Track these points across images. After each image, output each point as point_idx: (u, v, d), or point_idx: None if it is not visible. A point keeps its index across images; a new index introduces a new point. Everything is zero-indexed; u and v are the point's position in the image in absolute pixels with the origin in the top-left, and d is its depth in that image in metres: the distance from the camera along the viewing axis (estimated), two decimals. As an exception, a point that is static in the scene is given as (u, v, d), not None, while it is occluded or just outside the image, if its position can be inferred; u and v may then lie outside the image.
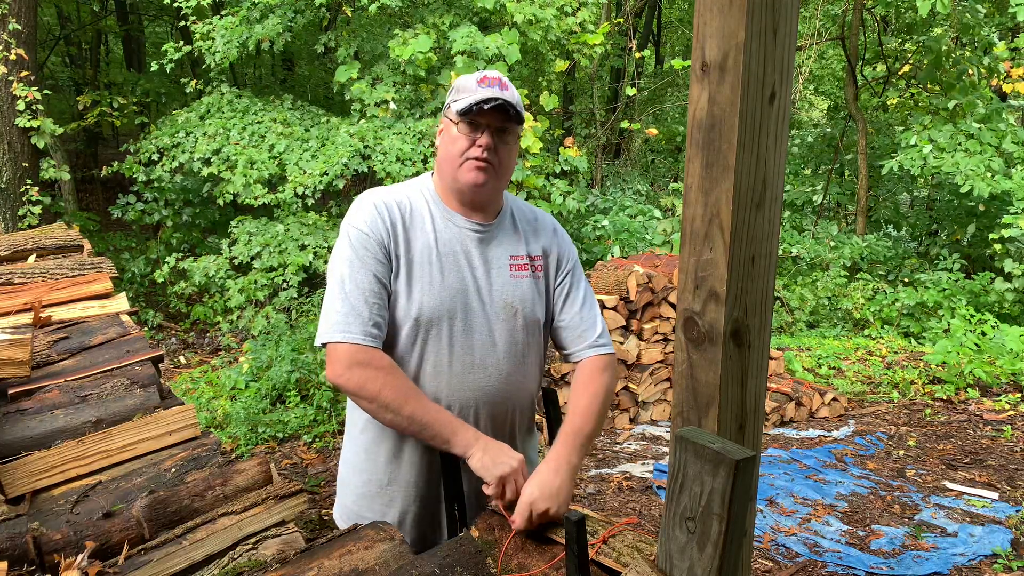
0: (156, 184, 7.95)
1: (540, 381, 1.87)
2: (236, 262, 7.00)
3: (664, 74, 15.21)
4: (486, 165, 1.66)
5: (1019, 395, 5.91)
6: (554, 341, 1.88)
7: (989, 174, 8.33)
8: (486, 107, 1.63)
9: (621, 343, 5.24)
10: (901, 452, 4.95)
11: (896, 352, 7.31)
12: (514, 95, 1.69)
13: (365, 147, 6.90)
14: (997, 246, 8.54)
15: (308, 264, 6.67)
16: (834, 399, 5.69)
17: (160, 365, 2.54)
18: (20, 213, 7.17)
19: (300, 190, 6.66)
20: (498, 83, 1.68)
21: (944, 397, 5.94)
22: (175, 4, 7.96)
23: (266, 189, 6.92)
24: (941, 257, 9.49)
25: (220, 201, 7.18)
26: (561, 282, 1.83)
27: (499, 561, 1.41)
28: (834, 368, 6.83)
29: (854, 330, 8.61)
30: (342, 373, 1.59)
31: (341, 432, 5.02)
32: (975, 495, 4.27)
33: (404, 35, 6.80)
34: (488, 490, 1.55)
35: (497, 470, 1.54)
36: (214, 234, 8.86)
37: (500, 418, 1.76)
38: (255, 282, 6.75)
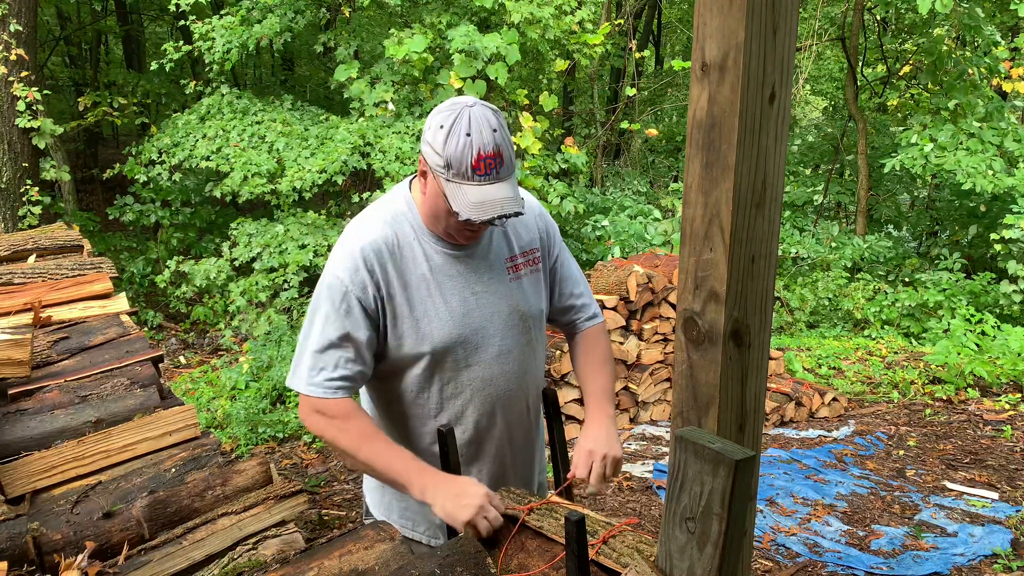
0: (153, 185, 7.94)
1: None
2: (236, 264, 7.00)
3: (664, 74, 15.20)
4: (480, 231, 1.67)
5: (1019, 395, 5.91)
6: (551, 319, 1.91)
7: (991, 172, 8.33)
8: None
9: (621, 343, 5.24)
10: (901, 452, 4.95)
11: (896, 352, 7.31)
12: (511, 162, 1.54)
13: (365, 144, 6.90)
14: (999, 246, 8.54)
15: (309, 263, 6.67)
16: (834, 399, 5.69)
17: (160, 365, 2.54)
18: (20, 213, 7.17)
19: (298, 184, 6.66)
20: (495, 166, 1.50)
21: (944, 397, 5.94)
22: (175, 2, 7.95)
23: (264, 179, 6.91)
24: (942, 257, 9.49)
25: (217, 193, 7.17)
26: (554, 263, 1.86)
27: (499, 561, 1.41)
28: (834, 368, 6.83)
29: (854, 330, 8.61)
30: (305, 419, 1.66)
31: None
32: (975, 495, 4.27)
33: (399, 34, 6.80)
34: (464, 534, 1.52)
35: (462, 515, 1.48)
36: (211, 234, 8.85)
37: (517, 413, 1.81)
38: (256, 283, 6.76)
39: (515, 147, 1.69)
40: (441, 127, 1.50)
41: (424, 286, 1.65)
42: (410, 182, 1.75)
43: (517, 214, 1.54)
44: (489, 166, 1.49)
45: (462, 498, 1.50)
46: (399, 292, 1.63)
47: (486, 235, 1.73)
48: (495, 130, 1.50)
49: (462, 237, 1.64)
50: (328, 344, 1.61)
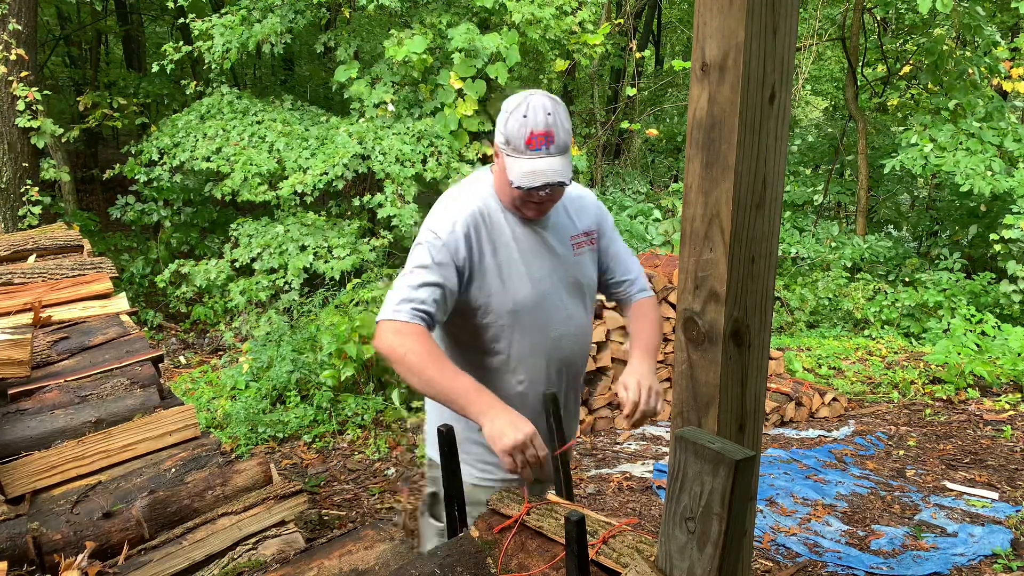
0: (155, 184, 7.94)
1: None
2: (237, 265, 7.00)
3: (664, 74, 15.20)
4: (545, 205, 1.87)
5: (1019, 395, 5.91)
6: (607, 293, 2.17)
7: (989, 172, 8.33)
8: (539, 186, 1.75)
9: (621, 343, 5.24)
10: (901, 452, 4.95)
11: (896, 352, 7.31)
12: (563, 142, 1.76)
13: (363, 148, 6.89)
14: (998, 246, 8.54)
15: (308, 265, 6.67)
16: (834, 399, 5.69)
17: (160, 365, 2.54)
18: (20, 213, 7.17)
19: (300, 188, 6.66)
20: (544, 143, 1.74)
21: (944, 397, 5.94)
22: (176, 2, 7.94)
23: (265, 185, 6.90)
24: (942, 257, 9.48)
25: (218, 193, 7.17)
26: (608, 245, 2.11)
27: (499, 561, 1.41)
28: (834, 368, 6.83)
29: (854, 330, 8.61)
30: (380, 341, 1.76)
31: (341, 432, 5.02)
32: (975, 495, 4.27)
33: (399, 35, 6.79)
34: (502, 462, 1.62)
35: (505, 441, 1.59)
36: (213, 234, 8.85)
37: (574, 373, 2.04)
38: (257, 283, 6.75)
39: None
40: (505, 111, 1.80)
41: (509, 252, 1.89)
42: (491, 167, 1.98)
43: (562, 184, 1.78)
44: (539, 143, 1.74)
45: (512, 427, 1.60)
46: (490, 255, 1.87)
47: (554, 213, 1.96)
48: (549, 114, 1.76)
49: (528, 210, 1.87)
50: (421, 284, 1.78)
